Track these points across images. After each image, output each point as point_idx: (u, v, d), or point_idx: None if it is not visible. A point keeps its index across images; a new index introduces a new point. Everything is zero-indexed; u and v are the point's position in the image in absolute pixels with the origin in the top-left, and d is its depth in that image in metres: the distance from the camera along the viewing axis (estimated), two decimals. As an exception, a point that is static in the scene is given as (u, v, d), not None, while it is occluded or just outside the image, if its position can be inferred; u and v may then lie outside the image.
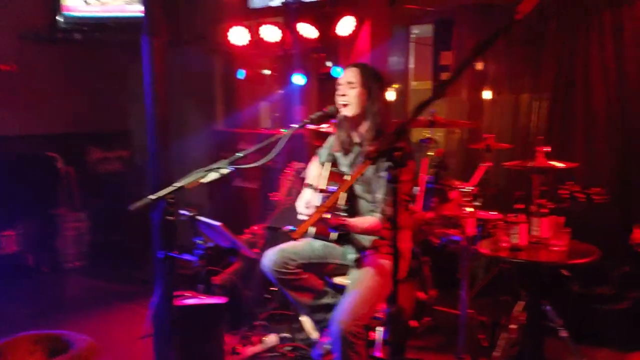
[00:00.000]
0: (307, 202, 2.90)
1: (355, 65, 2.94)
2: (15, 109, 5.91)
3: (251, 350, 3.64)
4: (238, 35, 5.30)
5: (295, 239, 1.75)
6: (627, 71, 4.26)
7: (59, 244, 5.82)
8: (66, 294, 5.44)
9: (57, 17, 5.93)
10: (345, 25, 4.87)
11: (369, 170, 2.88)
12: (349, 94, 2.87)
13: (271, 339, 3.74)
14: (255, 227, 4.34)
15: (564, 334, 3.51)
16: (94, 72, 6.45)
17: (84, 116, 6.50)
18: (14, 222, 5.65)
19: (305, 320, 3.44)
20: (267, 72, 5.40)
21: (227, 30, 5.32)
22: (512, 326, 3.58)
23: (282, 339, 3.78)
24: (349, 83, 2.88)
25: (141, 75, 4.88)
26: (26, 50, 5.93)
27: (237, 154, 2.72)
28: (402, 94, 6.15)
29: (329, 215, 2.64)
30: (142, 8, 5.62)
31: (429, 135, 3.96)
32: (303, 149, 5.06)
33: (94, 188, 6.45)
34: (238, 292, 3.88)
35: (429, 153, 3.98)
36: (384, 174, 2.73)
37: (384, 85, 2.96)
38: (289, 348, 3.69)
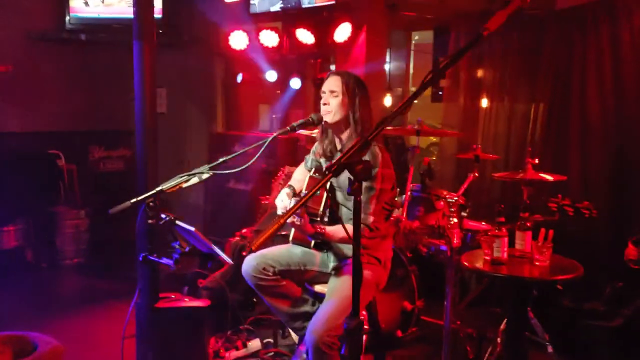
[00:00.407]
0: (283, 207, 2.91)
1: (337, 74, 2.94)
2: (20, 107, 5.99)
3: (234, 354, 3.64)
4: (238, 40, 5.34)
5: (253, 251, 1.74)
6: (624, 84, 4.21)
7: (59, 240, 5.85)
8: (64, 290, 5.47)
9: (65, 18, 5.99)
10: (342, 32, 4.88)
11: (347, 176, 2.88)
12: (331, 102, 2.88)
13: (254, 344, 3.74)
14: (245, 230, 4.34)
15: (550, 349, 3.48)
16: (98, 72, 6.50)
17: (87, 115, 6.55)
18: (15, 217, 5.70)
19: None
20: (267, 76, 5.39)
21: (228, 35, 5.35)
22: (498, 339, 3.57)
23: (265, 345, 3.79)
24: (332, 92, 2.88)
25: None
26: (32, 49, 6.00)
27: (220, 159, 2.75)
28: (401, 99, 6.13)
29: (300, 222, 2.64)
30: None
31: (415, 144, 3.94)
32: (297, 152, 5.07)
33: (95, 186, 6.50)
34: (224, 295, 3.88)
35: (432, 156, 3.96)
36: (366, 183, 2.72)
37: (367, 92, 2.95)
38: (271, 354, 3.69)
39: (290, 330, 3.47)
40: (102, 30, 6.10)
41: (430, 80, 1.85)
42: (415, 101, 5.28)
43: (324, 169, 3.07)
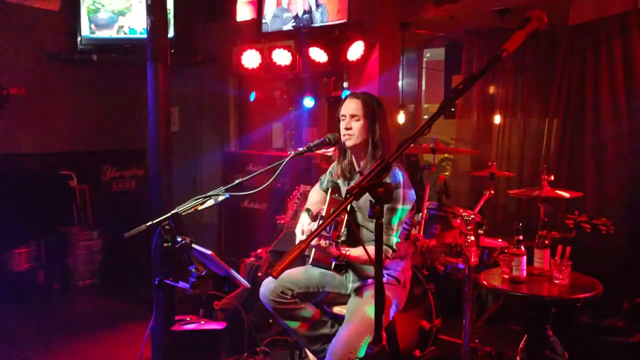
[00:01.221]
0: (303, 230, 2.89)
1: (357, 97, 2.94)
2: (32, 127, 6.04)
3: (251, 376, 3.62)
4: (251, 59, 5.37)
5: (274, 277, 1.73)
6: (637, 99, 4.19)
7: (71, 262, 5.85)
8: (77, 312, 5.45)
9: (77, 38, 6.06)
10: (355, 50, 4.90)
11: (367, 197, 2.87)
12: (353, 126, 2.88)
13: (272, 365, 3.72)
14: (260, 251, 4.33)
15: (569, 366, 3.44)
16: (110, 92, 6.57)
17: (99, 135, 6.61)
18: (27, 239, 5.71)
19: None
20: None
21: (241, 53, 5.38)
22: (518, 358, 3.53)
23: (282, 366, 3.76)
24: (353, 116, 2.88)
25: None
26: (44, 70, 6.08)
27: (236, 180, 2.74)
28: (413, 115, 6.13)
29: (325, 243, 2.63)
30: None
31: (430, 162, 3.93)
32: (311, 171, 5.07)
33: (107, 206, 6.53)
34: (240, 317, 3.86)
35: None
36: (388, 205, 2.72)
37: (384, 112, 2.96)
38: (289, 375, 3.66)
39: (308, 352, 3.44)
40: (113, 50, 6.16)
41: (449, 100, 1.85)
42: (425, 116, 5.28)
43: (344, 192, 3.06)
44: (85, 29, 6.07)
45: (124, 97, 6.70)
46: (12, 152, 5.92)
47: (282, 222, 4.35)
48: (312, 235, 1.77)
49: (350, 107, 2.91)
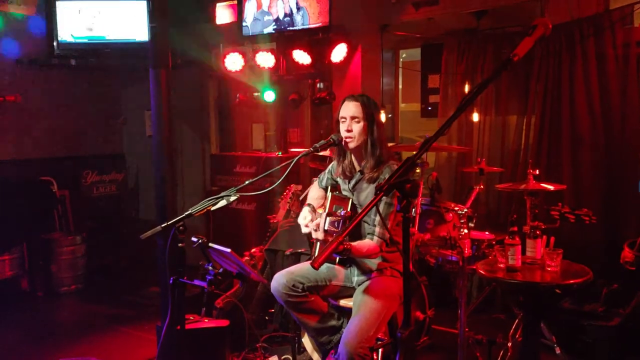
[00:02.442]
0: (316, 225, 2.98)
1: (356, 99, 3.04)
2: (10, 134, 5.98)
3: (253, 372, 3.70)
4: (234, 61, 5.43)
5: (315, 269, 1.84)
6: (610, 96, 4.44)
7: (55, 268, 5.81)
8: (61, 318, 5.42)
9: (54, 43, 6.01)
10: (339, 52, 5.02)
11: (367, 194, 3.01)
12: (354, 128, 3.00)
13: (273, 360, 3.81)
14: (255, 250, 4.42)
15: (558, 350, 3.63)
16: (88, 97, 6.55)
17: (79, 140, 6.58)
18: (9, 246, 5.66)
19: (307, 342, 3.53)
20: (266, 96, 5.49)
21: (224, 56, 5.44)
22: (509, 344, 3.71)
23: (283, 361, 3.86)
24: (353, 118, 3.00)
25: (134, 99, 4.92)
26: (22, 75, 6.01)
27: (246, 181, 2.83)
28: (391, 115, 6.30)
29: (330, 239, 2.74)
30: (135, 34, 5.74)
31: (423, 160, 4.09)
32: (300, 171, 5.18)
33: (89, 211, 6.51)
34: (239, 315, 3.94)
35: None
36: (385, 199, 2.85)
37: (380, 113, 3.11)
38: (291, 369, 3.76)
39: (306, 346, 3.55)
40: (91, 55, 6.12)
41: (466, 103, 1.99)
42: (390, 115, 5.41)
43: (344, 190, 3.18)
44: (62, 34, 6.02)
45: (102, 102, 6.69)
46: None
47: (275, 221, 4.44)
48: (348, 228, 1.89)
49: (350, 109, 3.02)
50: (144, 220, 6.91)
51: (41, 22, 6.04)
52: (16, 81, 5.94)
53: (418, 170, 4.04)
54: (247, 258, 4.39)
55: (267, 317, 4.27)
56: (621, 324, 3.95)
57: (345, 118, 3.02)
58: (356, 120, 2.99)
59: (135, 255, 6.24)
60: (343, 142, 3.03)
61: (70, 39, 6.07)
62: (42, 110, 6.25)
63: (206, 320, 3.62)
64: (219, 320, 3.68)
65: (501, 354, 3.73)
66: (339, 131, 3.07)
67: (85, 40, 6.10)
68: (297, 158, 2.86)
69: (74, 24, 6.05)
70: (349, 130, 3.00)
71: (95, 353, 4.33)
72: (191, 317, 3.65)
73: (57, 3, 5.99)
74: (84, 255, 5.98)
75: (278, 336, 4.16)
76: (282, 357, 3.88)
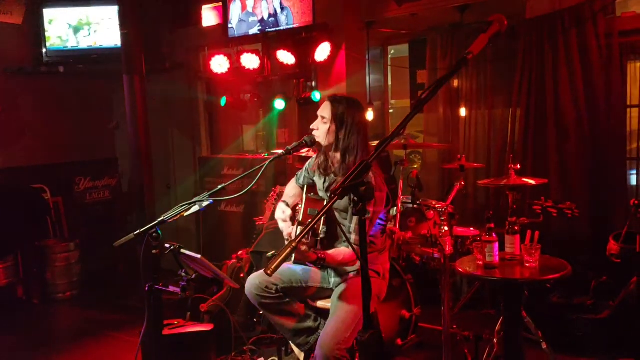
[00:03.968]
0: (288, 234, 2.97)
1: (331, 101, 3.01)
2: (1, 142, 5.99)
3: (240, 375, 3.71)
4: (219, 64, 5.42)
5: (269, 275, 1.83)
6: (594, 87, 4.42)
7: (49, 275, 5.84)
8: (57, 325, 5.46)
9: (42, 51, 6.04)
10: (322, 51, 5.01)
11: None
12: (320, 128, 2.99)
13: (260, 363, 3.82)
14: (241, 252, 4.42)
15: (544, 345, 3.61)
16: (78, 103, 6.56)
17: (70, 146, 6.60)
18: (3, 254, 5.68)
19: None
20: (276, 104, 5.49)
21: (209, 59, 5.44)
22: (495, 340, 3.69)
23: (270, 363, 3.86)
24: (322, 118, 2.98)
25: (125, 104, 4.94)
26: (10, 84, 6.04)
27: (218, 186, 2.81)
28: (381, 112, 6.28)
29: (304, 248, 2.73)
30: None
31: (402, 157, 4.08)
32: (287, 172, 5.17)
33: (82, 217, 6.53)
34: (225, 318, 3.94)
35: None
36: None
37: (360, 117, 3.01)
38: (277, 371, 3.76)
39: (294, 347, 3.54)
40: (80, 61, 6.15)
41: (421, 103, 1.97)
42: (391, 111, 5.42)
43: (320, 189, 3.16)
44: (50, 42, 6.05)
45: (93, 108, 6.70)
46: (-17, 168, 5.90)
47: (260, 223, 4.44)
48: (298, 237, 1.87)
49: (323, 109, 3.01)
50: (138, 225, 6.92)
51: (29, 31, 6.07)
52: (4, 90, 5.95)
53: (416, 166, 4.02)
54: (234, 261, 4.40)
55: (255, 320, 4.26)
56: (611, 316, 3.94)
57: (317, 117, 3.02)
58: (324, 120, 2.98)
59: (130, 261, 6.25)
60: (315, 140, 3.01)
61: (58, 46, 6.10)
62: (33, 117, 6.27)
63: (190, 325, 3.63)
64: (203, 324, 3.68)
65: (487, 349, 3.72)
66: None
67: (74, 47, 6.12)
68: (268, 162, 2.84)
69: (62, 31, 6.08)
70: (313, 129, 3.00)
71: (90, 358, 4.37)
72: (176, 322, 3.66)
73: (45, 11, 6.03)
74: (78, 262, 6.00)
75: (266, 338, 4.15)
76: (270, 359, 3.88)
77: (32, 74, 6.18)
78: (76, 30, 6.13)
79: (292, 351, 3.76)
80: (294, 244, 1.83)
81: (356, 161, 2.93)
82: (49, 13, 6.02)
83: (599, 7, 4.30)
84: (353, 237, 2.87)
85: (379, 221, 2.99)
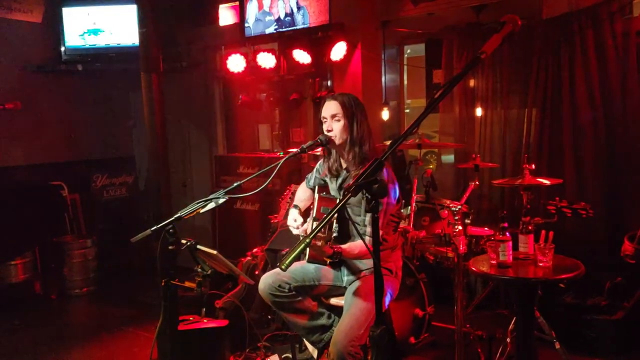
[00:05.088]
0: (304, 231, 3.00)
1: (335, 99, 3.05)
2: (21, 140, 6.10)
3: (254, 371, 3.74)
4: (236, 63, 5.47)
5: (283, 270, 1.86)
6: (610, 87, 4.39)
7: (66, 270, 5.92)
8: (74, 320, 5.54)
9: (61, 49, 6.13)
10: (338, 51, 5.03)
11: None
12: (334, 127, 3.01)
13: (273, 359, 3.84)
14: (256, 250, 4.46)
15: (557, 345, 3.61)
16: (96, 101, 6.64)
17: (88, 144, 6.69)
18: (22, 250, 5.78)
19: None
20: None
21: (226, 58, 5.48)
22: (508, 339, 3.69)
23: (284, 360, 3.89)
24: (333, 116, 3.01)
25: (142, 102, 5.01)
26: (30, 82, 6.13)
27: (234, 183, 2.84)
28: (397, 112, 6.29)
29: (319, 243, 2.75)
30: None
31: (417, 157, 4.10)
32: (301, 171, 5.20)
33: (99, 214, 6.62)
34: (240, 315, 3.98)
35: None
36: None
37: (363, 109, 3.08)
38: (291, 368, 3.79)
39: (307, 344, 3.57)
40: (98, 59, 6.23)
41: (434, 102, 1.99)
42: (407, 110, 5.42)
43: (332, 189, 3.19)
44: (69, 40, 6.14)
45: (110, 106, 6.78)
46: (3, 165, 5.99)
47: (275, 221, 4.47)
48: (313, 232, 1.90)
49: (330, 108, 3.04)
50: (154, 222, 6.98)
51: (48, 29, 6.16)
52: (24, 88, 6.04)
53: (432, 166, 4.03)
54: (249, 258, 4.44)
55: (269, 317, 4.30)
56: (625, 317, 3.92)
57: (326, 118, 3.04)
58: (336, 118, 3.01)
59: (146, 257, 6.32)
60: (330, 141, 3.04)
61: (77, 45, 6.19)
62: (52, 115, 6.36)
63: (205, 321, 3.67)
64: (218, 321, 3.72)
65: (500, 349, 3.72)
66: (322, 131, 3.09)
67: (92, 45, 6.21)
68: (283, 159, 2.87)
69: (81, 29, 6.17)
70: (329, 130, 3.02)
71: (106, 354, 4.45)
72: (191, 318, 3.70)
73: (64, 10, 6.12)
74: (95, 258, 6.08)
75: (280, 335, 4.19)
76: (283, 356, 3.91)
77: (51, 72, 6.27)
78: (95, 28, 6.21)
79: (306, 348, 3.80)
80: (307, 240, 1.85)
81: (370, 148, 2.97)
82: (68, 11, 6.11)
83: (616, 7, 4.27)
84: (368, 230, 2.89)
85: (391, 217, 3.01)
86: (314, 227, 2.94)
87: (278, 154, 5.56)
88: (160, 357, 3.43)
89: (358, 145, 3.00)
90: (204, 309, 3.78)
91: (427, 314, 3.92)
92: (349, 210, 3.07)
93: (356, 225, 2.99)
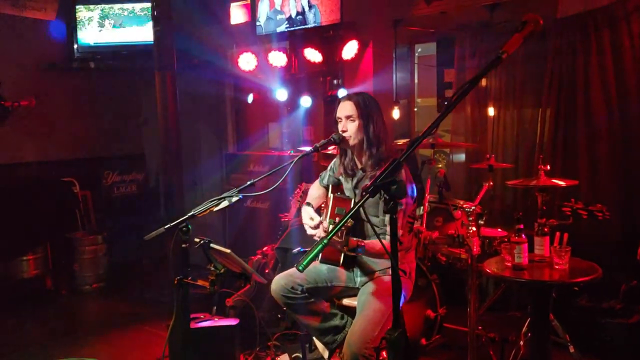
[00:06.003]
0: (314, 225, 2.97)
1: (350, 99, 3.04)
2: (33, 136, 6.11)
3: (265, 370, 3.73)
4: (247, 61, 5.46)
5: (300, 271, 1.84)
6: (627, 87, 4.33)
7: (77, 266, 5.95)
8: (84, 316, 5.57)
9: (74, 47, 6.14)
10: (350, 49, 5.01)
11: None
12: (349, 128, 2.99)
13: (284, 359, 3.83)
14: (266, 248, 4.44)
15: (572, 349, 3.57)
16: (108, 98, 6.65)
17: (99, 141, 6.70)
18: (33, 246, 5.81)
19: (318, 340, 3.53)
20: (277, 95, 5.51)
21: (237, 56, 5.48)
22: (521, 342, 3.66)
23: (294, 359, 3.87)
24: (348, 117, 2.99)
25: (155, 100, 5.02)
26: (43, 79, 6.14)
27: (248, 182, 2.83)
28: (407, 110, 6.26)
29: (339, 238, 2.72)
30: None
31: (430, 157, 4.07)
32: (311, 169, 5.18)
33: (110, 211, 6.63)
34: (250, 313, 3.97)
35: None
36: None
37: (379, 108, 3.06)
38: (301, 368, 3.77)
39: (318, 344, 3.56)
40: (110, 57, 6.25)
41: (454, 102, 1.96)
42: (416, 109, 5.38)
43: (347, 189, 3.16)
44: (81, 37, 6.14)
45: (122, 103, 6.78)
46: (15, 161, 6.01)
47: (286, 219, 4.46)
48: (331, 232, 1.88)
49: (345, 109, 3.02)
50: (166, 220, 6.99)
51: (61, 26, 6.17)
52: (37, 85, 6.05)
53: (441, 165, 4.00)
54: (259, 256, 4.43)
55: (279, 315, 4.29)
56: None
57: (340, 118, 3.02)
58: (351, 119, 2.99)
59: (156, 254, 6.33)
60: (344, 140, 3.02)
61: (90, 42, 6.20)
62: (64, 112, 6.37)
63: (216, 319, 3.66)
64: (229, 319, 3.72)
65: (513, 352, 3.69)
66: (337, 131, 3.07)
67: (104, 43, 6.21)
68: (297, 158, 2.85)
69: (94, 27, 6.17)
70: (344, 130, 3.00)
71: (115, 350, 4.45)
72: (202, 316, 3.70)
73: (77, 7, 6.13)
74: (105, 254, 6.11)
75: (290, 334, 4.18)
76: (293, 355, 3.89)
77: (64, 70, 6.28)
78: (107, 26, 6.21)
79: (316, 348, 3.78)
80: (325, 240, 1.84)
81: (382, 153, 2.95)
82: (81, 9, 6.12)
83: (632, 6, 4.22)
84: (388, 229, 2.85)
85: (407, 218, 2.99)
86: (329, 228, 2.91)
87: (289, 152, 5.54)
88: (171, 354, 3.43)
89: (375, 146, 2.98)
90: (215, 307, 3.78)
91: (439, 316, 3.89)
92: (364, 211, 3.04)
93: (374, 226, 2.95)
